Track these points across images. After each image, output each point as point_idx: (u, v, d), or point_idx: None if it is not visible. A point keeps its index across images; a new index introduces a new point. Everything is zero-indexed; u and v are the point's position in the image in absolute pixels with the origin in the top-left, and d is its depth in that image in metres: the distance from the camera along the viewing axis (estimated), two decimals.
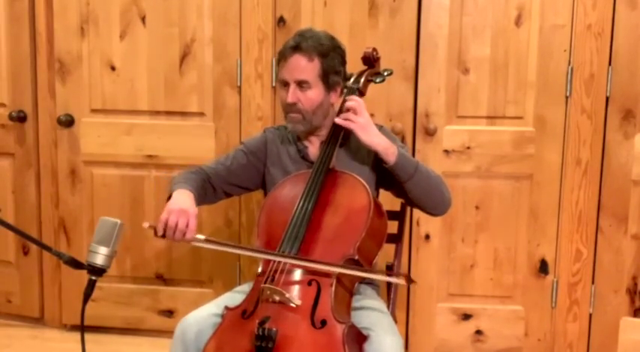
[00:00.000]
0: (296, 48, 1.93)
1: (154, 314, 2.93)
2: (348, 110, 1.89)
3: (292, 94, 1.94)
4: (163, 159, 2.82)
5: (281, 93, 1.99)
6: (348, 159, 1.99)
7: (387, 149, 1.85)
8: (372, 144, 1.85)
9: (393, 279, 1.88)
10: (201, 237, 1.77)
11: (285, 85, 1.96)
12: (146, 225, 1.79)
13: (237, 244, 1.85)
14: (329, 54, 1.95)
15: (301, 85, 1.93)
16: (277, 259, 1.74)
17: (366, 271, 1.78)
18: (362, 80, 2.04)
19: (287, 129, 2.09)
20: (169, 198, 1.84)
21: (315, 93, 1.95)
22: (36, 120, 2.92)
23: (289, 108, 1.96)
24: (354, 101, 1.89)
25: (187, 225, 1.74)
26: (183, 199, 1.82)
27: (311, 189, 1.83)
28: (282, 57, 1.97)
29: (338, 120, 1.88)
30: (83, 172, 2.89)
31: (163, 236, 1.76)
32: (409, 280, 1.70)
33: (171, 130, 2.81)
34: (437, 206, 1.96)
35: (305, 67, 1.93)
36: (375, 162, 1.96)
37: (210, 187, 2.02)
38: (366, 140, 1.85)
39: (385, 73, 2.12)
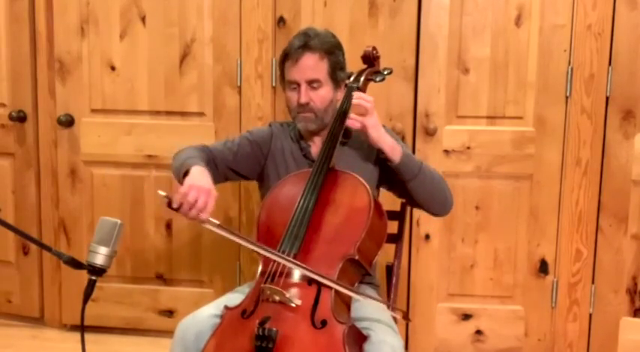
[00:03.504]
0: (304, 47, 1.92)
1: (154, 314, 2.93)
2: (359, 108, 1.84)
3: (304, 94, 1.92)
4: (163, 159, 2.81)
5: (289, 95, 1.97)
6: (351, 157, 1.99)
7: (394, 148, 1.85)
8: (380, 142, 1.84)
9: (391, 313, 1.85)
10: (215, 221, 1.68)
11: (294, 86, 1.94)
12: (162, 193, 1.68)
13: (248, 238, 1.79)
14: (334, 51, 1.96)
15: (312, 84, 1.92)
16: (283, 262, 1.70)
17: (359, 293, 1.75)
18: (362, 79, 2.03)
19: (291, 127, 2.08)
20: (186, 173, 1.76)
21: (326, 91, 1.95)
22: (36, 120, 2.91)
23: (301, 108, 1.94)
24: (368, 102, 1.84)
25: (206, 205, 1.67)
26: (206, 179, 1.74)
27: (311, 188, 1.82)
28: (288, 57, 1.94)
29: (350, 122, 1.84)
30: (83, 172, 2.89)
31: (177, 209, 1.67)
32: (407, 317, 1.74)
33: (171, 130, 2.81)
34: (439, 206, 1.97)
35: (316, 65, 1.92)
36: (378, 160, 1.96)
37: (214, 167, 1.97)
38: (376, 138, 1.84)
39: (385, 72, 2.11)
